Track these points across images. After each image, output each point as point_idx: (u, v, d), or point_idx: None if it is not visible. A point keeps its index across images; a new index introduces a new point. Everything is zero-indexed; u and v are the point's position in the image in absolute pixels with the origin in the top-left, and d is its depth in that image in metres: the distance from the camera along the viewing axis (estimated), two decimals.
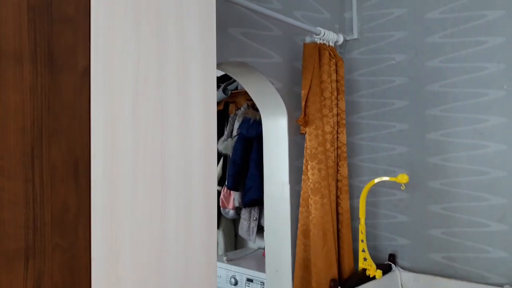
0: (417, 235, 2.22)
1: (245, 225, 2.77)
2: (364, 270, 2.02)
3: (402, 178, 1.90)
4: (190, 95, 0.94)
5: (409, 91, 2.26)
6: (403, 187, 1.93)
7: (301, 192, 2.05)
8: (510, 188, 1.92)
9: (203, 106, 0.98)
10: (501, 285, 1.92)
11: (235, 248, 3.06)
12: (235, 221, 3.06)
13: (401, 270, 2.19)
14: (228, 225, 3.01)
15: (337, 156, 2.07)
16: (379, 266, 2.05)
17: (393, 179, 1.94)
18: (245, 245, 3.05)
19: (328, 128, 1.99)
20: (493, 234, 1.97)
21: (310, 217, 1.96)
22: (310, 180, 1.96)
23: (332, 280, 1.82)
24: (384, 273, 2.10)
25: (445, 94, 2.13)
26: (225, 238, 2.96)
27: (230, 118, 2.92)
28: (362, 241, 2.03)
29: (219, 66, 1.86)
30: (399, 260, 2.27)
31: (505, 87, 1.94)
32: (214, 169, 1.02)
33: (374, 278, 2.01)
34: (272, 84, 2.02)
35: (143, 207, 0.84)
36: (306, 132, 1.99)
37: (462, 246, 2.06)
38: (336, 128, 2.05)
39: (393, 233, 2.30)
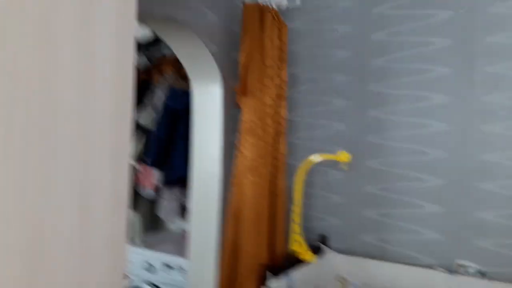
0: (351, 216, 2.14)
1: (166, 206, 2.51)
2: (297, 253, 1.89)
3: (343, 156, 1.77)
4: (95, 51, 0.69)
5: (351, 65, 2.14)
6: (343, 166, 1.81)
7: (234, 170, 1.84)
8: (448, 169, 1.90)
9: (115, 64, 0.76)
10: (431, 265, 1.91)
11: (154, 230, 2.78)
12: (155, 202, 2.76)
13: (332, 251, 2.10)
14: (146, 206, 2.71)
15: (275, 131, 1.89)
16: (310, 248, 1.94)
17: (332, 157, 1.81)
18: (165, 228, 2.78)
19: (268, 100, 1.79)
20: (427, 216, 1.95)
21: (243, 198, 1.77)
22: (246, 157, 1.76)
23: (263, 265, 1.65)
24: (315, 255, 1.99)
25: (389, 70, 2.04)
26: (142, 220, 2.66)
27: (154, 88, 2.59)
28: (296, 222, 1.89)
29: (141, 21, 1.55)
30: (330, 241, 2.18)
31: (452, 62, 1.89)
32: (127, 141, 0.77)
33: (307, 261, 1.89)
34: (206, 46, 1.76)
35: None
36: (243, 104, 1.77)
37: (396, 228, 2.02)
38: (276, 100, 1.86)
39: (326, 214, 2.20)
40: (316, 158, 1.85)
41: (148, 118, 2.51)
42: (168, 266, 2.13)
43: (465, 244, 1.85)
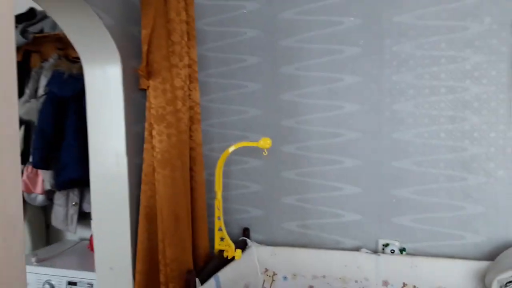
0: (271, 205, 2.03)
1: (61, 213, 2.13)
2: (222, 251, 1.72)
3: (265, 142, 1.64)
4: None
5: (261, 45, 2.00)
6: (265, 152, 1.67)
7: (143, 165, 1.59)
8: (364, 149, 1.88)
9: None
10: (356, 248, 1.89)
11: (48, 243, 2.37)
12: (46, 209, 2.36)
13: (256, 245, 1.97)
14: (36, 215, 2.30)
15: (189, 118, 1.67)
16: (234, 244, 1.78)
17: (254, 144, 1.66)
18: (61, 238, 2.39)
19: (178, 82, 1.56)
20: (346, 198, 1.92)
21: (157, 197, 1.53)
22: (157, 150, 1.52)
23: (189, 271, 1.45)
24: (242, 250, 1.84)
25: (300, 50, 1.95)
26: (32, 232, 2.25)
27: (33, 72, 2.17)
28: (219, 218, 1.72)
29: None
30: (253, 234, 2.05)
31: (362, 42, 1.85)
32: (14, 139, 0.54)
33: (232, 259, 1.73)
34: (101, 19, 1.46)
35: None
36: (149, 87, 1.52)
37: (316, 212, 1.96)
38: (187, 83, 1.64)
39: (246, 205, 2.07)
40: (238, 145, 1.68)
41: (29, 110, 2.10)
42: (72, 284, 1.80)
43: (386, 222, 1.86)
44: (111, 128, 1.59)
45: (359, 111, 1.88)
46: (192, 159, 1.67)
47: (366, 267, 1.79)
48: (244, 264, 1.82)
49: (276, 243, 2.00)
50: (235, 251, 1.70)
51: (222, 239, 1.71)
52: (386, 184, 1.86)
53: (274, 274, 1.94)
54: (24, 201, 2.18)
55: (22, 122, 2.13)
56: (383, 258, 1.79)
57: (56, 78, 2.05)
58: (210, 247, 1.76)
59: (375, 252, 1.84)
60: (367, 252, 1.82)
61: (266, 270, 1.95)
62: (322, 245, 1.95)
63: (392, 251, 1.82)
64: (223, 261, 1.69)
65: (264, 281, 1.95)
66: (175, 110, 1.53)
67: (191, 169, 1.67)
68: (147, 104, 1.55)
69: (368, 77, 1.86)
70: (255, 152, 2.03)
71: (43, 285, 1.82)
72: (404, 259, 1.77)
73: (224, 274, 1.62)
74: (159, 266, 1.54)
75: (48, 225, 2.36)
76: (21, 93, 2.17)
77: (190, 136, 1.68)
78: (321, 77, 1.93)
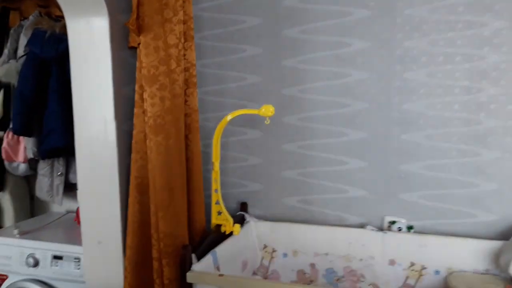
0: (271, 179, 1.91)
1: (46, 183, 1.99)
2: (219, 226, 1.60)
3: (267, 110, 1.50)
4: None
5: (262, 5, 1.83)
6: (267, 121, 1.54)
7: (134, 132, 1.45)
8: (371, 121, 1.75)
9: None
10: (361, 225, 1.79)
11: (32, 215, 2.24)
12: (30, 179, 2.21)
13: (255, 220, 1.86)
14: (19, 185, 2.15)
15: (184, 81, 1.52)
16: (233, 218, 1.66)
17: (255, 111, 1.52)
18: (46, 210, 2.26)
19: (172, 39, 1.40)
20: (351, 172, 1.80)
21: (149, 166, 1.40)
22: (149, 114, 1.37)
23: (184, 246, 1.33)
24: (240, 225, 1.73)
25: (305, 12, 1.79)
26: (15, 204, 2.11)
27: (11, 31, 1.98)
28: (216, 191, 1.59)
29: None
30: (251, 209, 1.94)
31: (372, 3, 1.70)
32: None
33: (230, 234, 1.61)
34: None
35: None
36: (139, 44, 1.36)
37: (319, 187, 1.85)
38: (182, 41, 1.48)
39: (244, 178, 1.94)
40: (236, 113, 1.54)
41: (8, 71, 1.92)
42: (58, 258, 1.68)
43: (393, 199, 1.75)
44: (98, 91, 1.44)
45: (367, 79, 1.74)
46: (187, 126, 1.53)
47: (372, 245, 1.70)
48: (242, 240, 1.71)
49: (276, 219, 1.89)
50: (233, 225, 1.58)
51: (219, 213, 1.59)
52: (394, 158, 1.74)
53: (274, 250, 1.83)
54: (6, 171, 2.04)
55: (0, 84, 1.96)
56: (389, 236, 1.69)
57: (37, 38, 1.87)
58: (207, 222, 1.64)
59: (381, 229, 1.74)
60: (372, 230, 1.72)
61: (265, 246, 1.85)
62: (325, 222, 1.84)
63: (399, 228, 1.72)
64: (221, 236, 1.57)
65: (263, 257, 1.85)
66: (169, 71, 1.38)
67: (186, 138, 1.54)
68: (137, 63, 1.40)
69: (378, 43, 1.72)
70: (255, 122, 1.89)
71: (27, 258, 1.69)
72: (411, 237, 1.67)
73: (222, 249, 1.51)
74: (152, 241, 1.42)
75: (32, 196, 2.22)
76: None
77: (185, 101, 1.53)
78: (327, 42, 1.78)
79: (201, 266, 1.35)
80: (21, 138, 1.96)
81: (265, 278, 1.85)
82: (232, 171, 1.94)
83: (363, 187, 1.79)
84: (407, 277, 1.66)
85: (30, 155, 1.94)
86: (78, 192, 1.51)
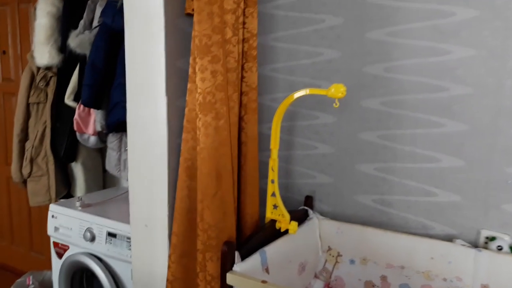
0: (343, 171, 1.65)
1: (114, 157, 1.98)
2: (273, 222, 1.41)
3: (337, 90, 1.24)
4: None
5: None
6: (336, 103, 1.29)
7: (186, 109, 1.31)
8: (474, 110, 1.39)
9: None
10: (449, 238, 1.46)
11: (104, 187, 2.28)
12: (103, 151, 2.24)
13: (320, 217, 1.64)
14: (92, 157, 2.19)
15: (242, 53, 1.33)
16: (292, 214, 1.46)
17: (323, 92, 1.28)
18: (117, 184, 2.28)
19: (229, 3, 1.22)
20: (444, 172, 1.47)
21: (199, 148, 1.25)
22: (199, 90, 1.22)
23: (227, 243, 1.17)
24: (299, 222, 1.53)
25: None
26: (86, 175, 2.15)
27: (89, 2, 1.98)
28: (273, 181, 1.40)
29: None
30: (317, 204, 1.71)
31: None
32: None
33: (286, 232, 1.42)
34: None
35: None
36: (193, 10, 1.20)
37: (401, 187, 1.55)
38: (242, 5, 1.28)
39: (312, 169, 1.72)
40: (301, 93, 1.31)
41: (82, 42, 1.92)
42: (112, 235, 1.65)
43: (495, 209, 1.39)
44: (151, 63, 1.32)
45: (473, 57, 1.38)
46: (243, 106, 1.35)
47: (461, 263, 1.37)
48: (302, 238, 1.50)
49: (345, 219, 1.64)
50: (289, 223, 1.38)
51: (275, 206, 1.40)
52: (500, 158, 1.37)
53: (339, 255, 1.59)
54: (78, 143, 2.07)
55: (76, 56, 1.97)
56: (485, 255, 1.34)
57: (109, 8, 1.83)
58: (261, 216, 1.46)
59: (475, 246, 1.40)
60: (463, 245, 1.39)
61: (329, 248, 1.62)
62: (404, 229, 1.54)
63: (499, 247, 1.36)
64: (275, 234, 1.39)
65: (326, 261, 1.63)
66: (223, 41, 1.20)
67: (241, 119, 1.36)
68: (192, 33, 1.24)
69: (490, 11, 1.34)
70: (328, 105, 1.65)
71: (85, 232, 1.69)
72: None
73: (274, 248, 1.33)
74: (198, 231, 1.29)
75: (105, 169, 2.25)
76: (78, 26, 2.01)
77: (242, 77, 1.35)
78: (423, 10, 1.45)
79: (245, 266, 1.18)
80: (92, 110, 1.96)
81: (328, 283, 1.62)
82: (299, 160, 1.73)
83: (457, 191, 1.45)
84: None
85: (98, 128, 1.94)
86: (129, 172, 1.43)
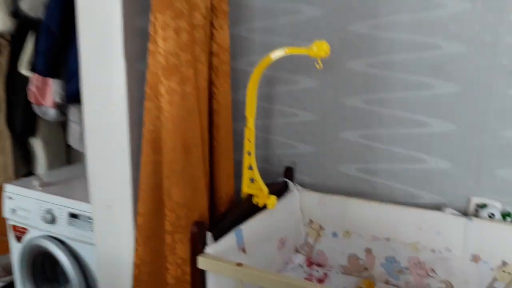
0: (326, 140, 1.53)
1: (77, 130, 1.81)
2: (250, 197, 1.29)
3: (320, 48, 1.10)
4: None
5: None
6: (319, 64, 1.14)
7: (147, 74, 1.14)
8: (467, 69, 1.28)
9: None
10: (438, 206, 1.37)
11: (69, 164, 2.11)
12: (65, 125, 2.05)
13: (301, 189, 1.52)
14: (53, 131, 2.01)
15: (211, 7, 1.16)
16: (271, 187, 1.34)
17: (304, 50, 1.14)
18: (82, 159, 2.11)
19: None
20: (433, 137, 1.36)
21: (163, 118, 1.10)
22: (161, 51, 1.05)
23: (197, 223, 1.04)
24: (278, 195, 1.42)
25: None
26: (48, 151, 1.97)
27: None
28: (249, 153, 1.27)
29: None
30: (297, 175, 1.60)
31: None
32: None
33: (264, 207, 1.30)
34: None
35: None
36: None
37: (388, 154, 1.44)
38: None
39: (292, 138, 1.59)
40: (279, 53, 1.17)
41: (34, 4, 1.70)
42: (74, 216, 1.50)
43: (487, 175, 1.31)
44: (105, 22, 1.14)
45: (466, 11, 1.25)
46: (214, 69, 1.19)
47: (451, 233, 1.29)
48: (282, 213, 1.39)
49: (327, 190, 1.53)
50: (268, 197, 1.27)
51: (252, 180, 1.28)
52: (495, 121, 1.27)
53: (321, 228, 1.50)
54: (37, 115, 1.89)
55: (30, 21, 1.75)
56: (476, 223, 1.26)
57: None
58: (237, 191, 1.34)
59: (465, 214, 1.32)
60: (453, 214, 1.30)
61: (311, 222, 1.52)
62: (390, 198, 1.45)
63: (490, 215, 1.28)
64: (252, 209, 1.27)
65: (307, 234, 1.53)
66: None
67: (212, 84, 1.20)
68: None
69: None
70: (310, 68, 1.50)
71: (44, 213, 1.54)
72: (507, 228, 1.24)
73: (251, 226, 1.21)
74: (165, 211, 1.16)
75: (68, 144, 2.07)
76: None
77: (212, 36, 1.18)
78: None
79: (218, 248, 1.07)
80: (49, 80, 1.77)
81: (309, 257, 1.53)
82: (278, 129, 1.60)
83: (447, 157, 1.35)
84: (494, 279, 1.25)
85: (57, 99, 1.75)
86: (86, 148, 1.28)
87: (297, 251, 1.57)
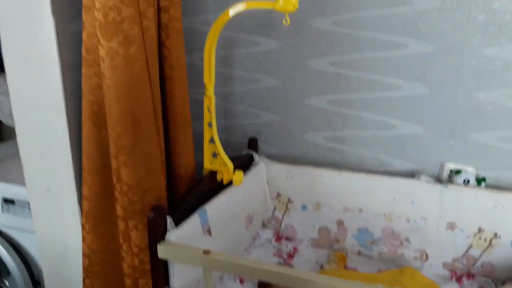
0: (291, 107, 1.42)
1: (6, 103, 1.58)
2: (214, 173, 1.16)
3: (287, 1, 0.95)
4: None
5: None
6: (287, 20, 1.00)
7: (83, 35, 0.95)
8: (440, 26, 1.18)
9: None
10: (410, 174, 1.31)
11: (1, 141, 1.87)
12: None
13: (267, 161, 1.41)
14: None
15: None
16: (236, 161, 1.22)
17: (268, 5, 0.99)
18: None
19: None
20: (405, 101, 1.28)
21: (105, 86, 0.93)
22: (98, 5, 0.87)
23: (154, 208, 0.90)
24: (243, 169, 1.30)
25: None
26: None
27: None
28: (210, 124, 1.12)
29: None
30: (263, 146, 1.48)
31: None
32: None
33: (230, 184, 1.18)
34: None
35: None
36: None
37: (357, 121, 1.35)
38: None
39: (255, 106, 1.46)
40: (238, 8, 1.01)
41: None
42: (9, 202, 1.31)
43: (461, 139, 1.25)
44: None
45: None
46: (163, 27, 1.02)
47: (425, 202, 1.23)
48: (248, 188, 1.27)
49: (295, 161, 1.43)
50: (233, 172, 1.14)
51: (214, 155, 1.14)
52: (470, 82, 1.20)
53: (290, 201, 1.40)
54: None
55: None
56: (452, 190, 1.21)
57: None
58: (199, 167, 1.20)
59: (439, 181, 1.27)
60: (428, 181, 1.24)
61: (279, 195, 1.42)
62: (361, 167, 1.37)
63: (465, 181, 1.23)
64: (216, 187, 1.14)
65: (275, 208, 1.43)
66: None
67: (162, 45, 1.03)
68: None
69: None
70: (273, 27, 1.36)
71: None
72: (482, 193, 1.19)
73: (216, 205, 1.09)
74: (115, 194, 1.00)
75: None
76: None
77: None
78: None
79: (181, 233, 0.94)
80: None
81: (277, 232, 1.44)
82: (240, 97, 1.46)
83: (419, 121, 1.28)
84: (470, 246, 1.22)
85: None
86: (16, 124, 1.08)
87: (264, 226, 1.47)
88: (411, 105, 1.27)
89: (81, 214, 1.07)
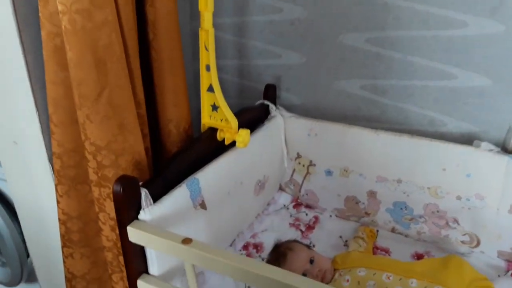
0: (321, 46, 1.13)
1: None
2: (213, 131, 0.92)
3: None
4: None
5: None
6: None
7: None
8: None
9: None
10: (467, 138, 1.02)
11: None
12: None
13: (286, 115, 1.16)
14: None
15: None
16: (245, 113, 0.97)
17: None
18: None
19: None
20: (470, 43, 0.96)
21: (61, 16, 0.69)
22: None
23: (122, 178, 0.69)
24: (256, 123, 1.05)
25: None
26: None
27: None
28: (208, 68, 0.87)
29: None
30: (282, 94, 1.22)
31: None
32: None
33: (233, 145, 0.94)
34: None
35: None
36: None
37: (404, 66, 1.05)
38: None
39: (275, 43, 1.18)
40: None
41: None
42: None
43: None
44: None
45: None
46: None
47: (485, 176, 0.95)
48: (259, 149, 1.04)
49: (321, 115, 1.17)
50: (237, 132, 0.90)
51: (215, 107, 0.90)
52: None
53: (311, 164, 1.16)
54: None
55: None
56: None
57: None
58: (195, 122, 0.96)
59: (506, 150, 0.98)
60: (490, 150, 0.95)
61: (299, 156, 1.17)
62: (405, 126, 1.09)
63: None
64: (215, 148, 0.91)
65: (294, 170, 1.20)
66: None
67: None
68: None
69: None
70: None
71: None
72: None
73: (212, 173, 0.86)
74: (85, 154, 0.80)
75: None
76: None
77: None
78: None
79: (160, 211, 0.73)
80: None
81: (296, 197, 1.23)
82: (255, 30, 1.17)
83: (486, 71, 0.97)
84: None
85: None
86: None
87: (281, 189, 1.25)
88: (478, 49, 0.95)
89: (53, 172, 0.88)
